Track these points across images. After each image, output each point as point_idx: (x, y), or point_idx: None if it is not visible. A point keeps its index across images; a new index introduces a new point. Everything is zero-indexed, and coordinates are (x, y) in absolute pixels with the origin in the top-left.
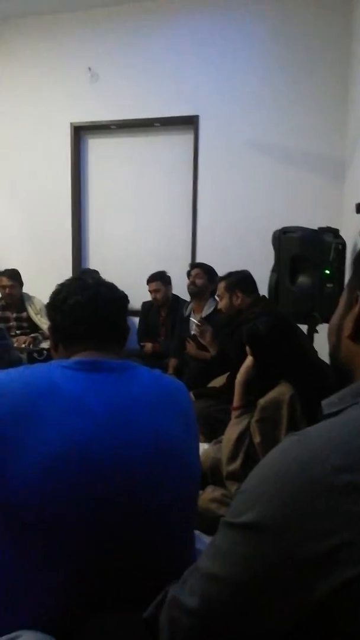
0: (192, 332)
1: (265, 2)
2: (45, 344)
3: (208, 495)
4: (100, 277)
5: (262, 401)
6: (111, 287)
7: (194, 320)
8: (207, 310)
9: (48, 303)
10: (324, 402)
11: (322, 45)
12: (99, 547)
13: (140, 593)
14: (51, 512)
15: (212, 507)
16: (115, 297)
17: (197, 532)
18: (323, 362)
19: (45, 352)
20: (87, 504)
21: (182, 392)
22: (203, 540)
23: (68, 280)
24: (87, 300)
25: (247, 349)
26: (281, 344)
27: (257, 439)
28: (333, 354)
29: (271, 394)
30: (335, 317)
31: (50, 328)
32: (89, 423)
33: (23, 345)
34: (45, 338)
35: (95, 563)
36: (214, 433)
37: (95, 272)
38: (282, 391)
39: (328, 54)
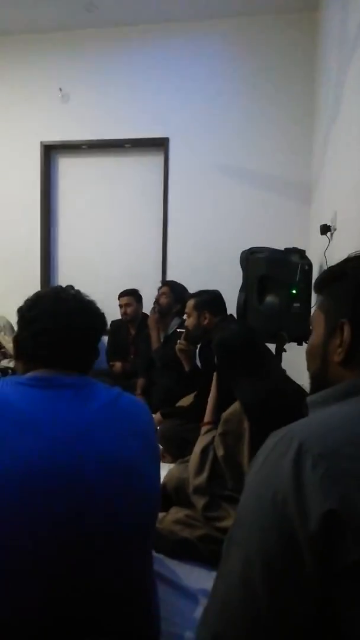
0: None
1: (234, 28)
2: (7, 362)
3: (172, 516)
4: (82, 298)
5: (225, 414)
6: (89, 314)
7: (181, 331)
8: (171, 328)
9: (19, 309)
10: (307, 399)
11: (289, 71)
12: (51, 570)
13: (96, 616)
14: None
15: (175, 529)
16: (88, 327)
17: (159, 555)
18: (288, 384)
19: (9, 371)
20: (37, 526)
21: (141, 411)
22: (165, 563)
23: (46, 295)
24: (56, 328)
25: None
26: (238, 354)
27: (220, 452)
28: (316, 375)
29: (233, 407)
30: (317, 343)
31: (15, 339)
32: (41, 442)
33: None
34: (6, 357)
35: (47, 585)
36: (181, 453)
37: (77, 292)
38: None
39: (295, 79)
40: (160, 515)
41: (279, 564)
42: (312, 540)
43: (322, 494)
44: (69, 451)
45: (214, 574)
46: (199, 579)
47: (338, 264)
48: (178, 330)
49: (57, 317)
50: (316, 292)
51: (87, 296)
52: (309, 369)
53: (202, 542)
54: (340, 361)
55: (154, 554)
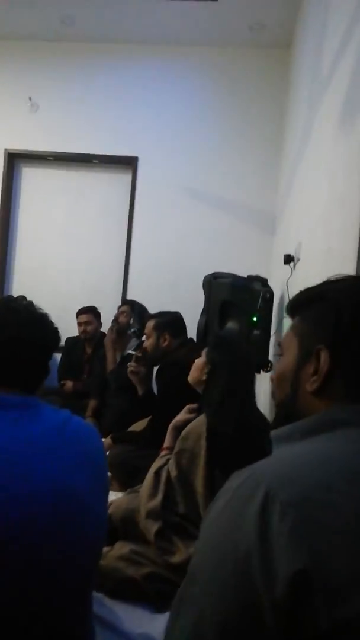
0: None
1: (210, 56)
2: None
3: (116, 552)
4: (34, 309)
5: (184, 431)
6: (41, 327)
7: (132, 352)
8: (129, 349)
9: None
10: (272, 434)
11: (260, 102)
12: None
13: None
14: None
15: (119, 565)
16: (37, 342)
17: (99, 594)
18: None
19: None
20: None
21: (91, 437)
22: (105, 603)
23: None
24: (5, 341)
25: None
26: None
27: (173, 472)
28: (285, 403)
29: (192, 424)
30: (287, 368)
31: None
32: None
33: None
34: None
35: None
36: (129, 481)
37: (30, 304)
38: (203, 421)
39: (266, 110)
40: (104, 550)
41: (236, 628)
42: (277, 605)
43: (290, 551)
44: (11, 481)
45: (157, 616)
46: (142, 621)
47: (315, 286)
48: (131, 352)
49: (4, 327)
50: (289, 314)
51: (41, 309)
52: (274, 396)
53: (148, 581)
54: (314, 390)
55: (94, 593)
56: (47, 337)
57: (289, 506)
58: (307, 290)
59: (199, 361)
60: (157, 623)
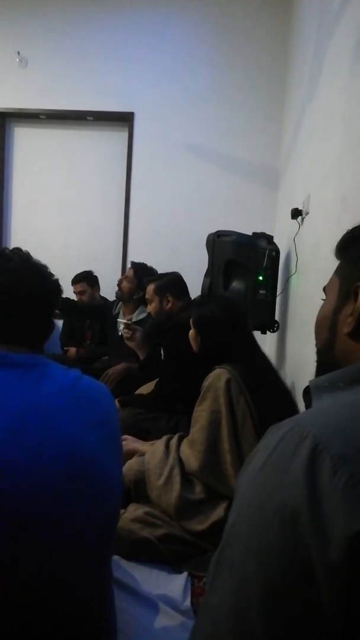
0: (120, 334)
1: (208, 4)
2: None
3: (130, 514)
4: (29, 258)
5: (203, 385)
6: (38, 274)
7: (121, 321)
8: (138, 315)
9: None
10: (311, 383)
11: (261, 51)
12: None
13: (51, 631)
14: None
15: (133, 527)
16: (37, 290)
17: (115, 557)
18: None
19: None
20: None
21: (104, 397)
22: (121, 566)
23: None
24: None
25: (194, 333)
26: (237, 327)
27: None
28: (323, 350)
29: (208, 380)
30: (327, 311)
31: None
32: None
33: None
34: None
35: None
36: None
37: (27, 254)
38: (217, 375)
39: (267, 59)
40: None
41: (285, 596)
42: (333, 572)
43: (346, 511)
44: (21, 444)
45: (174, 577)
46: (159, 583)
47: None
48: (119, 320)
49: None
50: (336, 255)
51: (39, 260)
52: (316, 344)
53: (163, 542)
54: (350, 332)
55: None
56: (46, 287)
57: (342, 461)
58: (352, 229)
59: (191, 333)
60: (175, 584)
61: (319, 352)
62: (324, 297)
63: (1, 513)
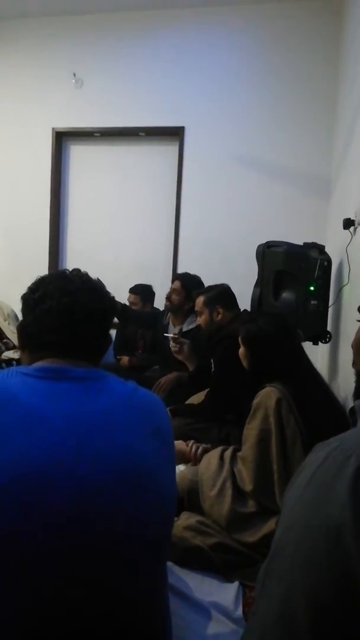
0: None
1: (255, 15)
2: (12, 354)
3: (183, 522)
4: (88, 278)
5: (253, 403)
6: (97, 294)
7: (168, 335)
8: (188, 326)
9: (23, 295)
10: (356, 404)
11: (311, 60)
12: (47, 577)
13: (107, 632)
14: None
15: (186, 535)
16: (96, 309)
17: (169, 563)
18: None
19: (14, 362)
20: (42, 532)
21: (158, 408)
22: (174, 572)
23: (50, 276)
24: (63, 308)
25: (243, 350)
26: (285, 343)
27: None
28: None
29: (258, 398)
30: None
31: (19, 327)
32: (47, 440)
33: None
34: (9, 348)
35: (42, 594)
36: None
37: (85, 274)
38: (267, 393)
39: (317, 68)
40: None
41: (332, 606)
42: None
43: None
44: (82, 452)
45: (226, 585)
46: (211, 590)
47: None
48: (167, 335)
49: (63, 296)
50: None
51: (96, 278)
52: (354, 364)
53: (215, 551)
54: None
55: None
56: (104, 305)
57: None
58: None
59: (241, 351)
60: (227, 592)
61: (358, 374)
62: (359, 318)
63: (69, 520)
